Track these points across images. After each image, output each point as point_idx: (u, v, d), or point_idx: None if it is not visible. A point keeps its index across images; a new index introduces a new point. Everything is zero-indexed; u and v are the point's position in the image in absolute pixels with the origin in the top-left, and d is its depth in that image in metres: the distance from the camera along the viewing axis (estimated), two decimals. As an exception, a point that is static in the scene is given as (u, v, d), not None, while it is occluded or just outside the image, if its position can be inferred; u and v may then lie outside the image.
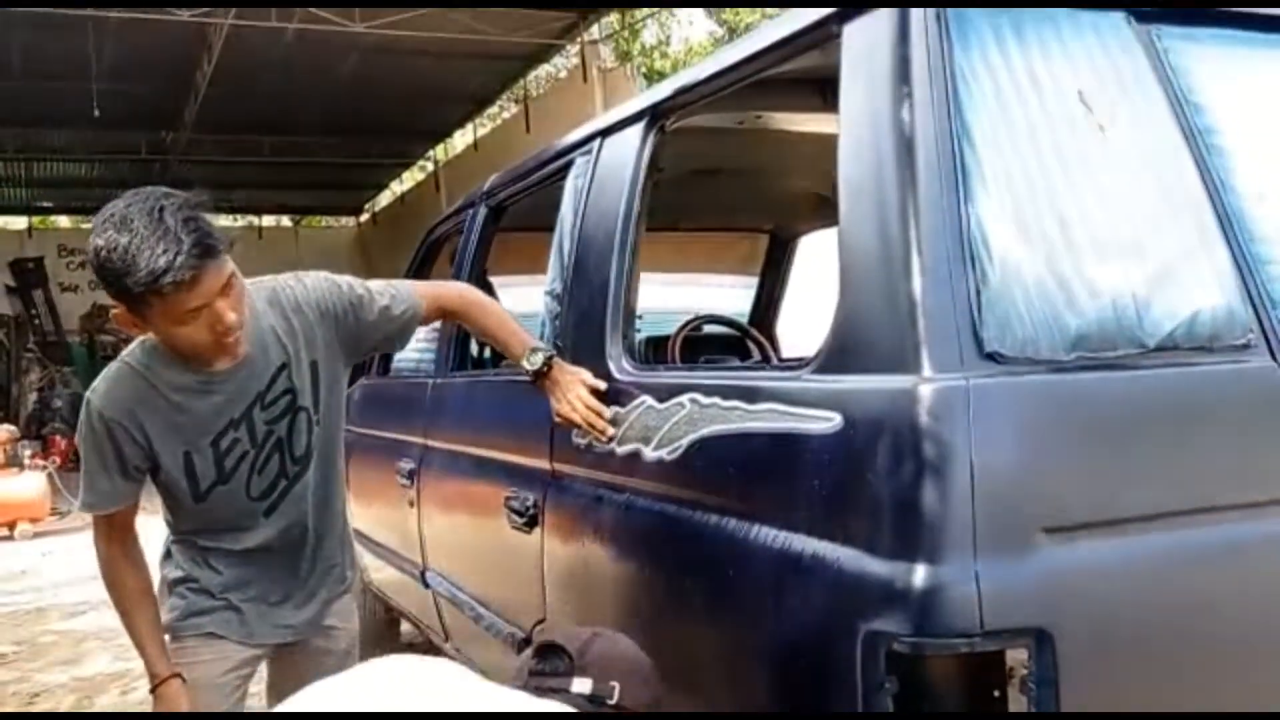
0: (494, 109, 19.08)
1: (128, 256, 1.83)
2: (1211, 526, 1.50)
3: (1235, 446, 1.55)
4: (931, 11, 1.60)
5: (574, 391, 2.25)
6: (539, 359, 2.31)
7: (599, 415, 2.21)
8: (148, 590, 2.25)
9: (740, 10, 19.46)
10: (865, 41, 1.68)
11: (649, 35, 21.70)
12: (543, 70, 17.36)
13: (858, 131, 1.65)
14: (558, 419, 2.30)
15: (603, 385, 2.26)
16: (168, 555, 2.35)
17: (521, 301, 3.46)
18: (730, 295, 5.25)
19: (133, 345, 2.18)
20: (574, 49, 15.16)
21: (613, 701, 1.57)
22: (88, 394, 2.17)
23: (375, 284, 2.36)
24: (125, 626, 2.25)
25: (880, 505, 1.43)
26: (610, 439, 2.17)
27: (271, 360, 2.16)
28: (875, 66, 1.64)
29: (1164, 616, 1.46)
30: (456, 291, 2.56)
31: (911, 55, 1.58)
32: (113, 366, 2.17)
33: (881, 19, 1.65)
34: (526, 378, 2.35)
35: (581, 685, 1.57)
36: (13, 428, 12.38)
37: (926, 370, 1.42)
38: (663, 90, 2.40)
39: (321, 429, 2.26)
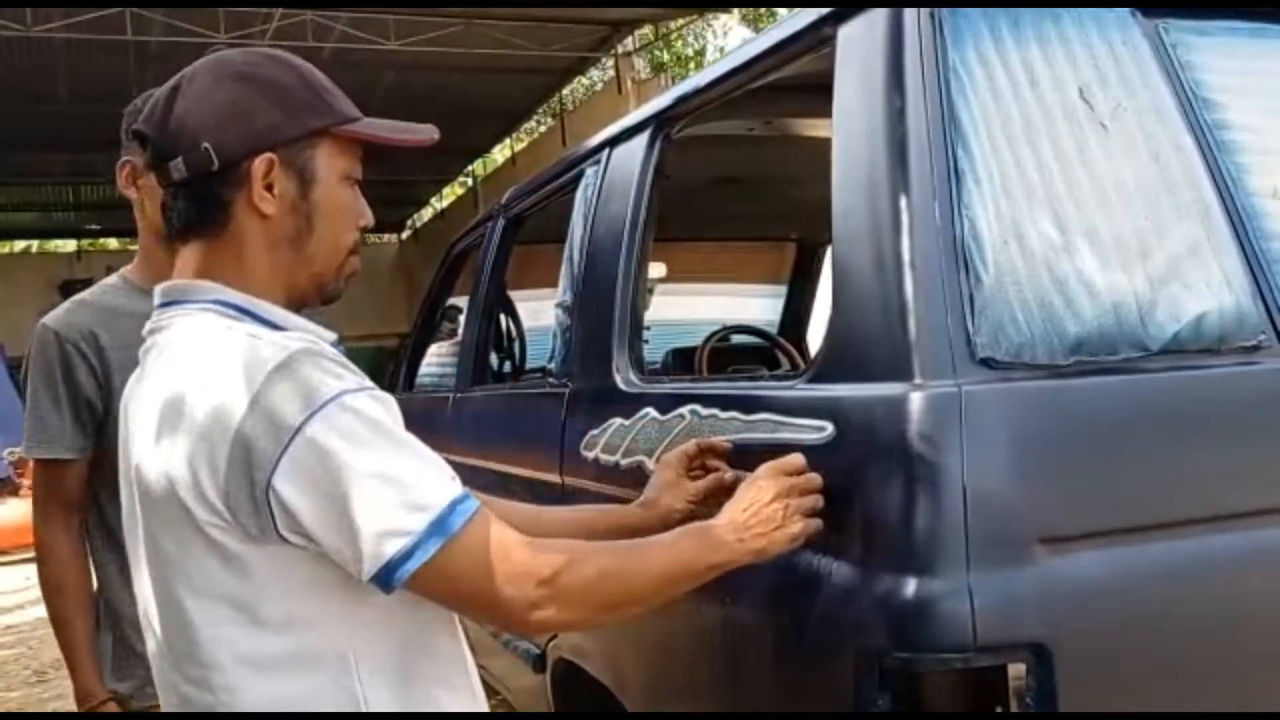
0: (530, 123, 19.19)
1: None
2: (1220, 535, 1.43)
3: (1245, 452, 1.48)
4: (925, 12, 1.56)
5: None
6: None
7: None
8: (89, 594, 2.02)
9: (778, 18, 19.43)
10: (858, 43, 1.65)
11: (685, 46, 21.71)
12: (578, 84, 17.43)
13: (850, 134, 1.62)
14: None
15: None
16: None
17: (539, 316, 3.43)
18: (762, 305, 5.20)
19: (107, 278, 2.06)
20: (609, 61, 15.21)
21: None
22: (43, 320, 1.96)
23: None
24: (59, 637, 1.99)
25: (870, 517, 1.38)
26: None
27: None
28: (868, 68, 1.60)
29: (1170, 630, 1.40)
30: None
31: (904, 56, 1.54)
32: (77, 295, 2.02)
33: (875, 20, 1.61)
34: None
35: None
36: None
37: (917, 377, 1.37)
38: (665, 99, 2.38)
39: None
